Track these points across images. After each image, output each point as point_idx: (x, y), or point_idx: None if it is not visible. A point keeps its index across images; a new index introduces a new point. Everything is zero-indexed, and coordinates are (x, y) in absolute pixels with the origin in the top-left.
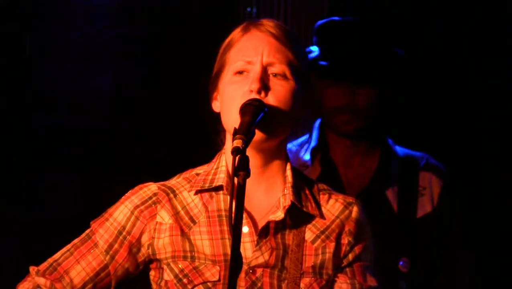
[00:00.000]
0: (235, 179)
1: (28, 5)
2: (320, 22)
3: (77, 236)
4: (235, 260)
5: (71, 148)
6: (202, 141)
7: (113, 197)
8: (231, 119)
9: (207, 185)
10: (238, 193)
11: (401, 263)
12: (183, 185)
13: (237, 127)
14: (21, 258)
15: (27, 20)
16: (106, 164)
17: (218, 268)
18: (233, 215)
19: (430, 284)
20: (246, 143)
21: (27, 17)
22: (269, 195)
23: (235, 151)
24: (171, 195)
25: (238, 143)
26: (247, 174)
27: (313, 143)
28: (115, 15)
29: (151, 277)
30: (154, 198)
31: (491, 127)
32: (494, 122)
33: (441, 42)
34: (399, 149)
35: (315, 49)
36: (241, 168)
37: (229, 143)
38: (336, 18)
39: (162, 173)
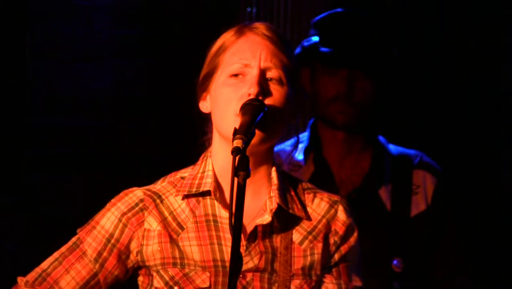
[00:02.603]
0: (235, 179)
1: (28, 5)
2: (320, 16)
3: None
4: (235, 261)
5: (71, 148)
6: (202, 141)
7: (113, 197)
8: (226, 122)
9: (194, 190)
10: (238, 194)
11: (394, 262)
12: (169, 190)
13: (237, 127)
14: (21, 258)
15: (27, 20)
16: (106, 164)
17: (208, 274)
18: (233, 216)
19: (424, 283)
20: (246, 143)
21: (27, 17)
22: (256, 198)
23: (235, 151)
24: (158, 201)
25: (238, 143)
26: (248, 174)
27: (306, 143)
28: (115, 15)
29: (140, 283)
30: (141, 205)
31: (491, 127)
32: (494, 122)
33: (441, 42)
34: (392, 147)
35: (315, 39)
36: (241, 168)
37: (217, 145)
38: (339, 10)
39: (161, 173)
